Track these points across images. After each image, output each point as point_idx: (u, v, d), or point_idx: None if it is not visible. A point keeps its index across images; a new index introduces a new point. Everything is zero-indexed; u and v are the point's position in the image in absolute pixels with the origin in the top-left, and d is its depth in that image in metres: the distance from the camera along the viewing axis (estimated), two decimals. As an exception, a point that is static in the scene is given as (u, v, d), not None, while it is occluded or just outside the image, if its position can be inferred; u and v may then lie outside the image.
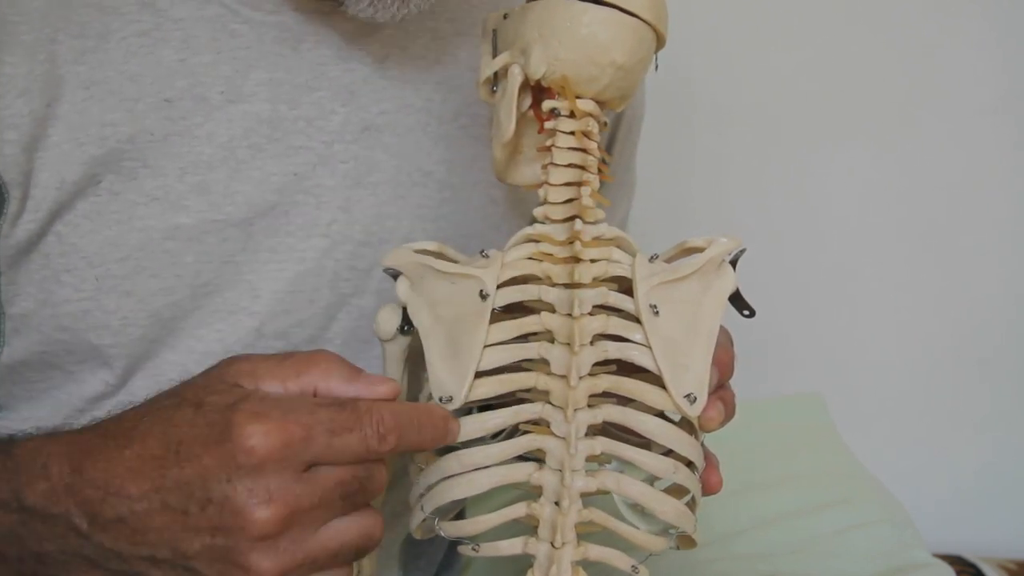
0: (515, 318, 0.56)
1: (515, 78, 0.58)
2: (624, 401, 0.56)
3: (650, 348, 0.55)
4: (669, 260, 0.60)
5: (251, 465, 0.49)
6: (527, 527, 0.57)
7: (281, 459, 0.49)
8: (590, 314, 0.56)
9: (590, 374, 0.55)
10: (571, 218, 0.57)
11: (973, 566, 1.22)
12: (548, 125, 0.58)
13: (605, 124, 0.59)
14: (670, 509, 0.56)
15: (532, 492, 0.56)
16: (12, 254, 0.62)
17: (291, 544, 0.50)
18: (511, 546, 0.56)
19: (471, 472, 0.56)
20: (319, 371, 0.53)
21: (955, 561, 1.19)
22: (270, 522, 0.49)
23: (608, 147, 0.84)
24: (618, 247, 0.58)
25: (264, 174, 0.66)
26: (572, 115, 0.58)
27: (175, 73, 0.64)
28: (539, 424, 0.56)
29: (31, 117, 0.61)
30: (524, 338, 0.56)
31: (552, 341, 0.56)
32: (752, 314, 0.60)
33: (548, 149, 0.58)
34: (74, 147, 0.62)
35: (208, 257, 0.66)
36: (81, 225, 0.63)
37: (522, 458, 0.57)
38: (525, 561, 0.57)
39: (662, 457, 0.56)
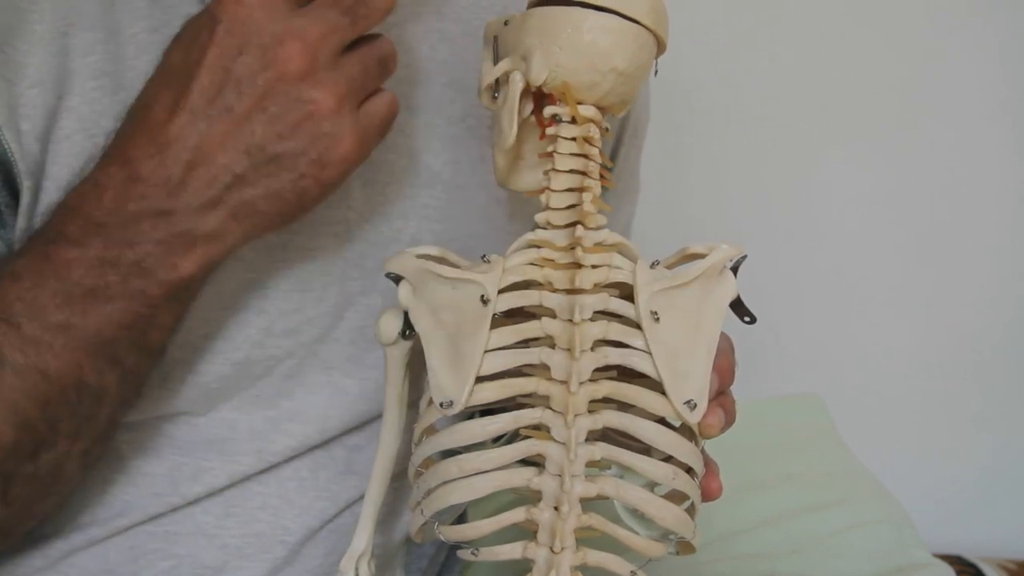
0: (516, 323, 0.56)
1: (516, 85, 0.58)
2: (624, 407, 0.56)
3: (651, 354, 0.55)
4: (670, 266, 0.60)
5: (243, 29, 0.54)
6: (527, 532, 0.57)
7: (263, 6, 0.54)
8: (591, 320, 0.56)
9: (590, 380, 0.55)
10: (573, 224, 0.57)
11: (973, 566, 1.22)
12: (550, 131, 0.58)
13: (607, 130, 0.59)
14: (669, 515, 0.56)
15: (532, 497, 0.56)
16: None
17: (327, 72, 0.55)
18: (510, 551, 0.56)
19: (470, 476, 0.56)
20: None
21: (955, 561, 1.20)
22: (295, 56, 0.54)
23: (614, 150, 0.84)
24: (619, 253, 0.58)
25: None
26: (573, 121, 0.58)
27: None
28: (539, 429, 0.56)
29: (44, 108, 0.61)
30: (525, 343, 0.56)
31: (553, 346, 0.56)
32: (753, 320, 0.60)
33: (550, 155, 0.58)
34: (85, 138, 0.62)
35: None
36: None
37: (523, 462, 0.57)
38: (524, 565, 0.57)
39: (662, 463, 0.56)
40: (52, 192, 0.62)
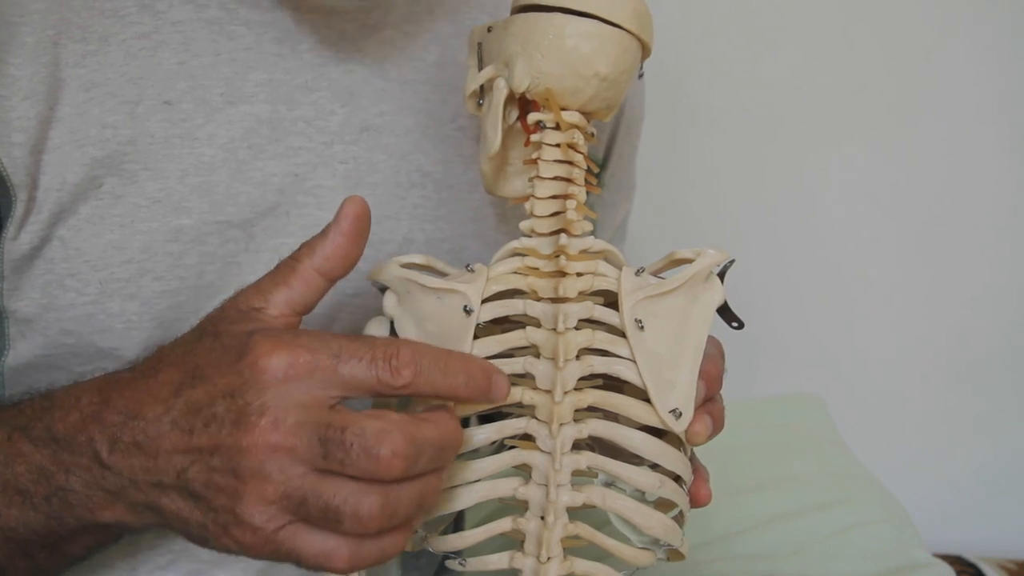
0: (500, 333, 0.56)
1: (500, 91, 0.58)
2: (610, 416, 0.56)
3: (635, 363, 0.55)
4: (657, 271, 0.59)
5: (256, 382, 0.49)
6: (515, 541, 0.57)
7: (285, 380, 0.49)
8: (575, 328, 0.55)
9: (575, 389, 0.55)
10: (557, 231, 0.57)
11: (973, 566, 1.21)
12: (534, 138, 0.58)
13: (592, 135, 0.59)
14: (656, 524, 0.56)
15: (518, 506, 0.56)
16: (17, 260, 0.63)
17: (281, 472, 0.49)
18: (498, 560, 0.56)
19: (457, 487, 0.56)
20: None
21: (955, 561, 1.19)
22: (264, 432, 0.48)
23: (608, 148, 0.83)
24: (605, 260, 0.57)
25: (265, 175, 0.67)
26: (558, 127, 0.58)
27: (175, 75, 0.65)
28: (525, 439, 0.56)
29: (37, 120, 0.61)
30: (509, 353, 0.56)
31: (537, 356, 0.56)
32: (741, 326, 0.60)
33: (534, 162, 0.58)
34: (74, 148, 0.62)
35: (211, 259, 0.66)
36: (84, 229, 0.63)
37: (511, 472, 0.57)
38: (513, 574, 0.57)
39: (648, 471, 0.56)
40: (42, 202, 0.62)
